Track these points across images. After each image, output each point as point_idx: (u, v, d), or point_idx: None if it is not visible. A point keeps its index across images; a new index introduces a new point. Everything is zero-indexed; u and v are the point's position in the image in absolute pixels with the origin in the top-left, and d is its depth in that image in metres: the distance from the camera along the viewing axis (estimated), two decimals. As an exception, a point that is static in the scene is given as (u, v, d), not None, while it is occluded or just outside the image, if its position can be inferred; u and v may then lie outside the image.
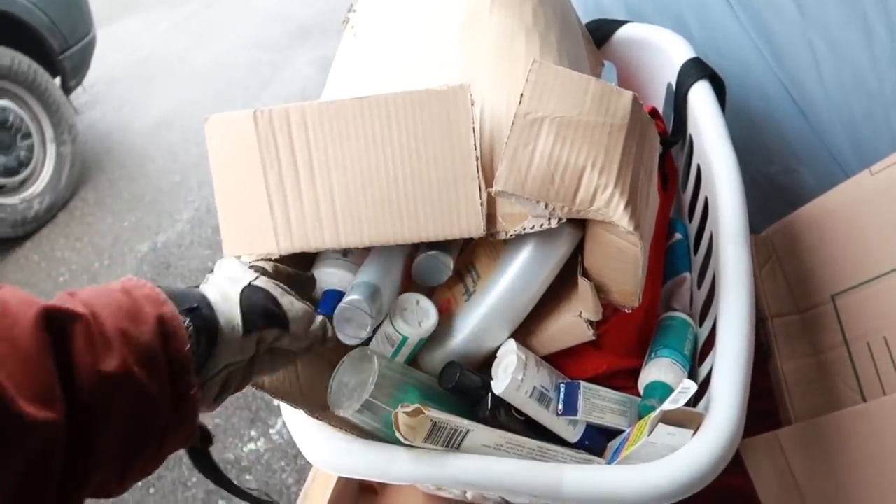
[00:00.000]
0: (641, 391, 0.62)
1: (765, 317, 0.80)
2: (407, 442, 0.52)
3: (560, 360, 0.63)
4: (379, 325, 0.60)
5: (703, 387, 0.56)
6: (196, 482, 1.35)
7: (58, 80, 2.35)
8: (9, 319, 0.34)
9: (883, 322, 0.67)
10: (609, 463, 0.58)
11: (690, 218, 0.78)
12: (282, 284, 0.50)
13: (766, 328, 0.79)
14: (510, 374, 0.57)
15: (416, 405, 0.51)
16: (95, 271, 1.97)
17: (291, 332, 0.49)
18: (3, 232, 2.05)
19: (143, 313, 0.39)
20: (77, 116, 2.45)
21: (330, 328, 0.53)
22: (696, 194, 0.75)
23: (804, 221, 0.79)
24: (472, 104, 0.53)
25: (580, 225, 0.56)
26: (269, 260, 0.55)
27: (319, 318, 0.52)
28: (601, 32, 0.93)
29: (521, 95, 0.52)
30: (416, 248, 0.62)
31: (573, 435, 0.60)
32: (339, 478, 0.74)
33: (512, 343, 0.60)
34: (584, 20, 0.90)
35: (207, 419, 1.43)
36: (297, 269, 0.57)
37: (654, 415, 0.52)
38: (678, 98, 0.79)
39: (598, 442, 0.60)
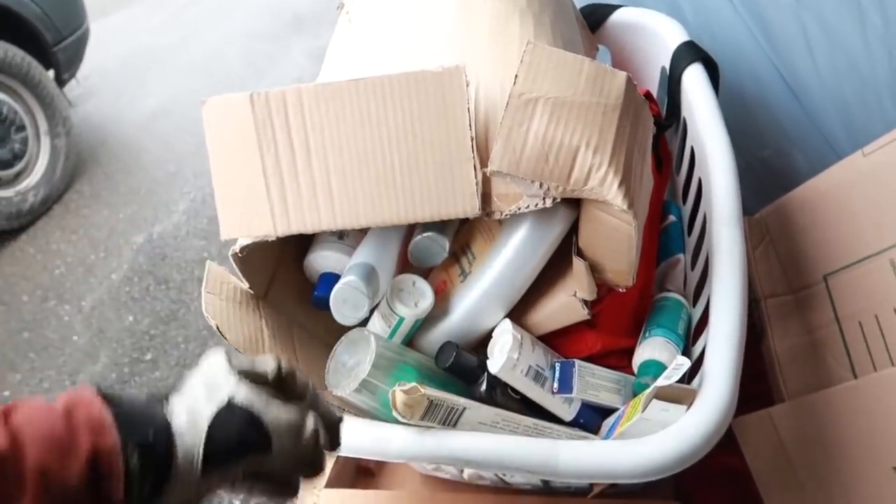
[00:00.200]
0: (636, 370, 0.63)
1: (758, 297, 0.81)
2: (404, 420, 0.52)
3: (555, 340, 0.63)
4: (376, 307, 0.61)
5: (697, 367, 0.57)
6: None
7: (51, 73, 2.34)
8: None
9: (874, 300, 0.68)
10: (604, 440, 0.58)
11: (684, 200, 0.78)
12: (269, 390, 0.42)
13: (759, 309, 0.80)
14: (506, 354, 0.57)
15: (413, 384, 0.52)
16: (91, 263, 1.97)
17: (274, 452, 0.40)
18: (-1, 225, 2.05)
19: (76, 445, 0.34)
20: (71, 109, 2.44)
21: (324, 435, 0.43)
22: (690, 176, 0.76)
23: (797, 203, 0.80)
24: (468, 85, 0.53)
25: (575, 205, 0.57)
26: (268, 370, 0.44)
27: (310, 426, 0.42)
28: (595, 17, 0.93)
29: (516, 76, 0.52)
30: (411, 231, 0.62)
31: (568, 413, 0.60)
32: (337, 459, 0.74)
33: (507, 323, 0.60)
34: (579, 5, 0.90)
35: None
36: (295, 248, 0.57)
37: (648, 391, 0.53)
38: (672, 81, 0.80)
39: (592, 420, 0.61)
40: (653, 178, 0.63)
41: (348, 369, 0.57)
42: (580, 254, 0.58)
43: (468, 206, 0.54)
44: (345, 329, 0.60)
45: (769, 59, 0.90)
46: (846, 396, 0.63)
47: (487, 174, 0.53)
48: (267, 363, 0.43)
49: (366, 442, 0.55)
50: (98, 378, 1.55)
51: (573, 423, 0.61)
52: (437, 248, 0.60)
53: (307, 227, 0.56)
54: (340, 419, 0.46)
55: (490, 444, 0.53)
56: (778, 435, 0.67)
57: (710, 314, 0.56)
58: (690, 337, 0.66)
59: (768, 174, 0.98)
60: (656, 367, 0.60)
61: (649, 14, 0.90)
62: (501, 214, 0.55)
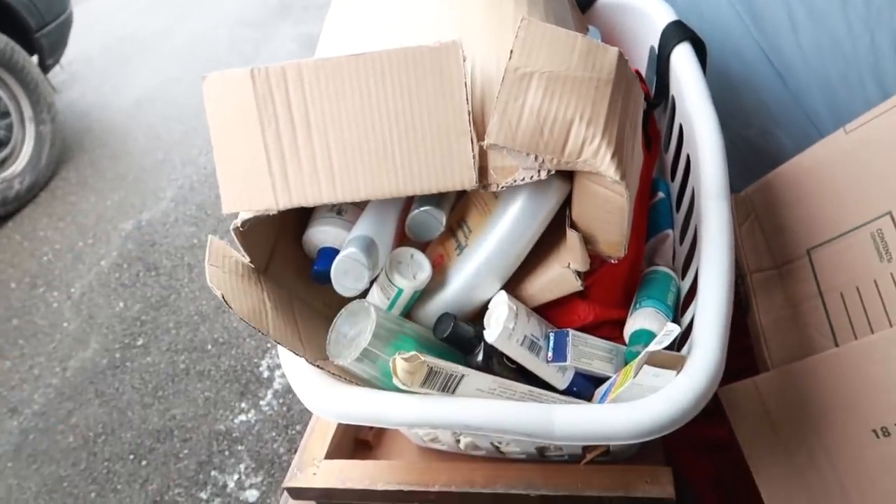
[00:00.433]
0: (627, 339, 0.65)
1: (744, 273, 0.83)
2: (405, 387, 0.54)
3: (549, 312, 0.65)
4: (375, 279, 0.62)
5: (686, 337, 0.59)
6: (188, 454, 1.36)
7: (35, 59, 2.31)
8: None
9: (856, 273, 0.70)
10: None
11: (673, 177, 0.80)
12: None
13: (745, 284, 0.83)
14: (502, 324, 0.59)
15: (413, 352, 0.53)
16: (80, 250, 1.96)
17: None
18: (-16, 212, 2.03)
19: None
20: (56, 95, 2.42)
21: None
22: (679, 154, 0.78)
23: (782, 180, 0.82)
24: (464, 60, 0.54)
25: (568, 178, 0.59)
26: None
27: None
28: (585, -2, 0.94)
29: (511, 51, 0.54)
30: (409, 205, 0.64)
31: (562, 382, 0.62)
32: (338, 429, 0.76)
33: (503, 294, 0.62)
34: (569, -14, 0.91)
35: (197, 393, 1.45)
36: (293, 224, 0.57)
37: (640, 357, 0.55)
38: (661, 60, 0.81)
39: (586, 388, 0.63)
40: (643, 154, 0.64)
41: (349, 340, 0.58)
42: (574, 226, 0.60)
43: (465, 178, 0.55)
44: (343, 303, 0.61)
45: (754, 39, 0.92)
46: (828, 364, 0.65)
47: (484, 147, 0.54)
48: None
49: (368, 409, 0.56)
50: (89, 364, 1.56)
51: (567, 392, 0.62)
52: (434, 223, 0.62)
53: (308, 201, 0.57)
54: None
55: (488, 409, 0.55)
56: (763, 402, 0.69)
57: (699, 282, 0.58)
58: (679, 308, 0.68)
59: (753, 153, 1.00)
60: (647, 337, 0.62)
61: (638, -5, 0.91)
62: (498, 187, 0.56)
